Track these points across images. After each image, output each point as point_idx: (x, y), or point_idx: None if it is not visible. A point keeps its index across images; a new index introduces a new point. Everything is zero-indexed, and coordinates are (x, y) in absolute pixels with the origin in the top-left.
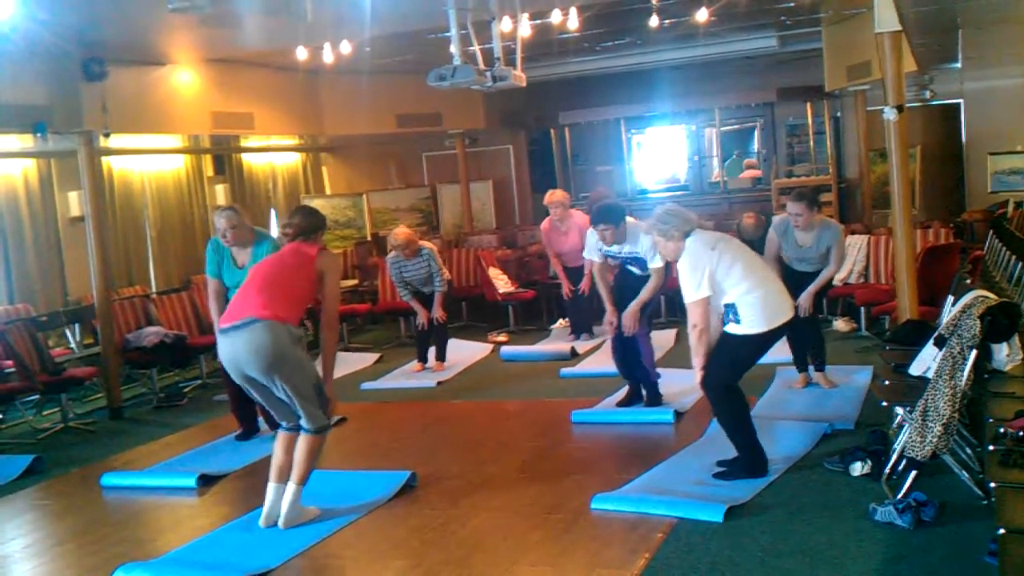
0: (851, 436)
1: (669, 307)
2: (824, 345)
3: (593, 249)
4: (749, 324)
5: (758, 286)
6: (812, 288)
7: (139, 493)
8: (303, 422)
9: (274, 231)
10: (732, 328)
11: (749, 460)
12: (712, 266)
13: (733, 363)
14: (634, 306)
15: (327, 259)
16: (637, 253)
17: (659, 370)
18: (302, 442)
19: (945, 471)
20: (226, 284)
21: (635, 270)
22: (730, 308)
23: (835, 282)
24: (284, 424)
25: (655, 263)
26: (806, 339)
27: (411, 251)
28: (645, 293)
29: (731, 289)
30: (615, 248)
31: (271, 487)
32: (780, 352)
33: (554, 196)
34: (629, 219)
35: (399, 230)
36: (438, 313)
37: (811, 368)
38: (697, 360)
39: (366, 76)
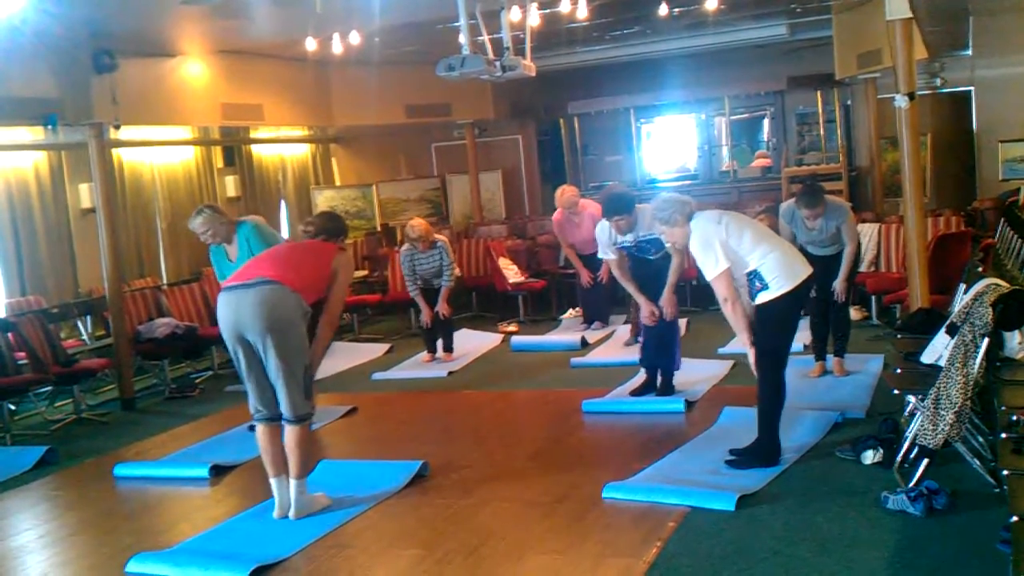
0: (863, 424)
1: (679, 298)
2: (850, 330)
3: (606, 247)
4: (778, 285)
5: (773, 248)
6: (843, 273)
7: (152, 483)
8: (284, 409)
9: (284, 224)
10: (764, 297)
11: (764, 445)
12: (722, 236)
13: (780, 331)
14: (668, 290)
15: (343, 259)
16: (652, 234)
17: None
18: (288, 435)
19: (957, 459)
20: None
21: (649, 256)
22: (754, 276)
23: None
24: (260, 412)
25: None
26: (833, 324)
27: (426, 243)
28: (673, 275)
29: (748, 255)
30: (629, 237)
31: (272, 482)
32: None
33: (564, 195)
34: (637, 206)
35: (416, 222)
36: (442, 307)
37: (828, 357)
38: (743, 336)
39: (375, 67)
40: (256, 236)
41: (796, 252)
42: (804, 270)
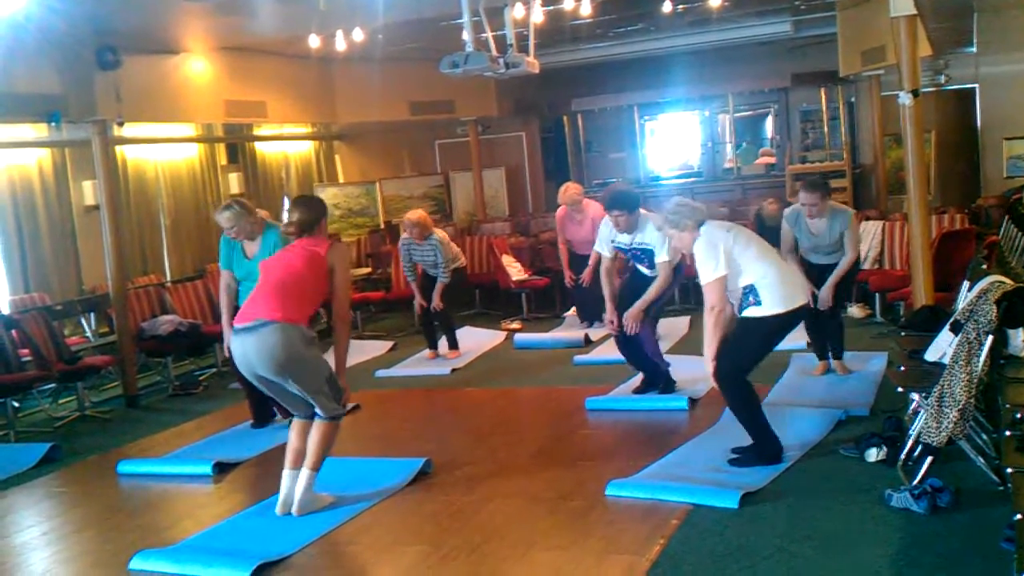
0: (866, 422)
1: (683, 294)
2: (844, 334)
3: (604, 242)
4: (770, 305)
5: (775, 266)
6: (832, 280)
7: (155, 480)
8: (317, 410)
9: (286, 220)
10: (752, 311)
11: (764, 447)
12: (728, 244)
13: (750, 349)
14: (637, 306)
15: (336, 253)
16: (647, 244)
17: (672, 357)
18: (316, 428)
19: (961, 457)
20: (237, 276)
21: (645, 271)
22: (749, 290)
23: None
24: (299, 414)
25: (662, 256)
26: (826, 329)
27: (421, 234)
28: (651, 292)
29: (749, 269)
30: (626, 239)
31: (286, 473)
32: (795, 339)
33: (568, 192)
34: (641, 210)
35: (412, 212)
36: (435, 301)
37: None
38: (709, 349)
39: (379, 63)
40: (282, 247)
41: (798, 277)
42: (800, 298)
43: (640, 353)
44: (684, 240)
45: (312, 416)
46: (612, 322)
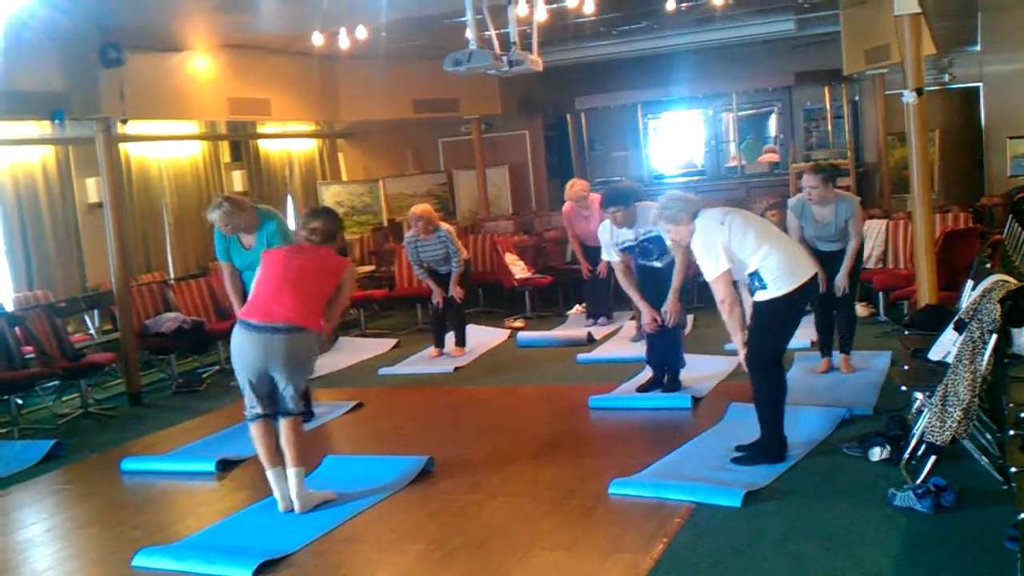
0: (870, 421)
1: (685, 292)
2: (855, 327)
3: (609, 247)
4: (776, 286)
5: (775, 249)
6: (845, 267)
7: (159, 478)
8: (289, 406)
9: (291, 220)
10: (761, 296)
11: (770, 444)
12: (725, 239)
13: (774, 330)
14: (672, 296)
15: (348, 273)
16: (652, 231)
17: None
18: (287, 426)
19: (964, 456)
20: (238, 266)
21: (655, 264)
22: (754, 276)
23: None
24: (258, 411)
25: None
26: (838, 322)
27: (427, 229)
28: (676, 278)
29: (749, 258)
30: (630, 235)
31: (270, 473)
32: (800, 338)
33: (574, 188)
34: (639, 203)
35: (417, 206)
36: (455, 291)
37: (834, 353)
38: (736, 336)
39: (382, 61)
40: (279, 238)
41: (801, 252)
42: (807, 271)
43: (667, 349)
44: (681, 234)
45: (271, 416)
46: (656, 319)
